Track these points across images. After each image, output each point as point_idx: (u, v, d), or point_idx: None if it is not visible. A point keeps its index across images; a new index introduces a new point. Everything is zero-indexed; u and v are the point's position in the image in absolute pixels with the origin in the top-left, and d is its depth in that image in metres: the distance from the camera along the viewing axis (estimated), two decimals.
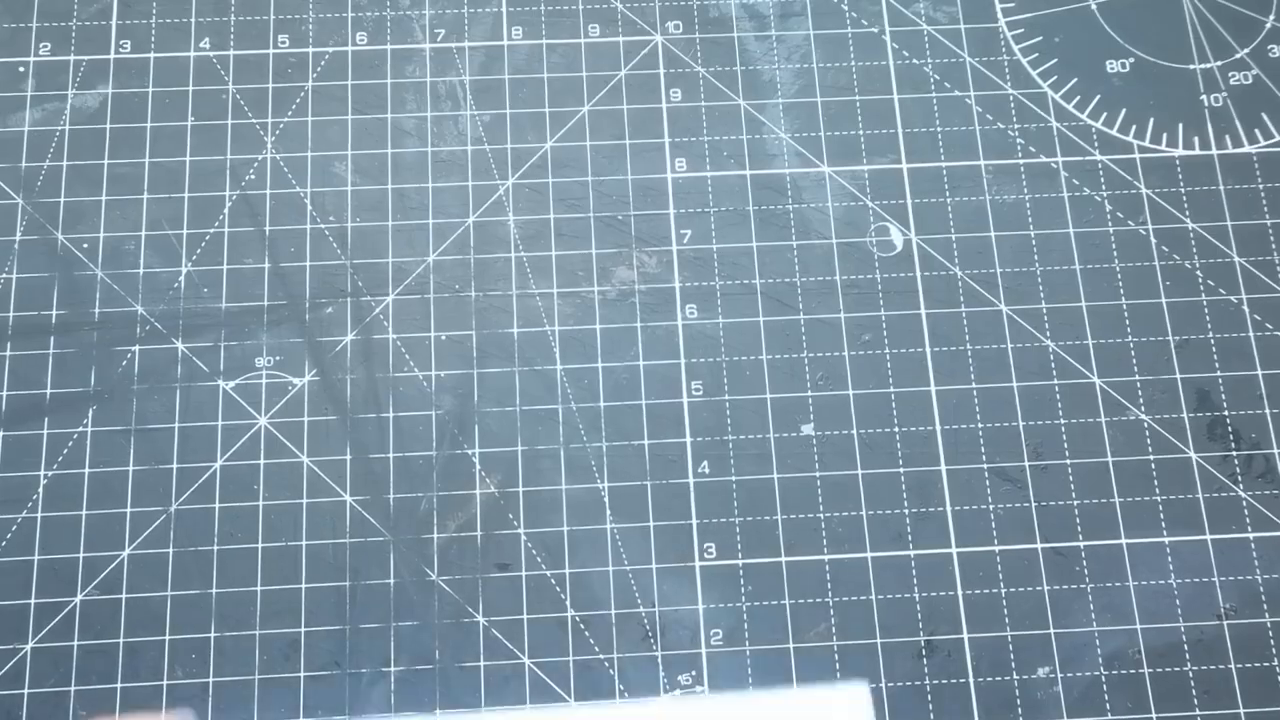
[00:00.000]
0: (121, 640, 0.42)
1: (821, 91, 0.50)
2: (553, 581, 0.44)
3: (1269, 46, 0.51)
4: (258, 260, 0.47)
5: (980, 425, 0.46)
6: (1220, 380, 0.46)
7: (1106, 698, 0.43)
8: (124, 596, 0.43)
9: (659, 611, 0.44)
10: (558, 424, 0.45)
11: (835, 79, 0.50)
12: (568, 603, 0.44)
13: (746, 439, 0.45)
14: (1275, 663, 0.43)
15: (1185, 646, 0.43)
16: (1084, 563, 0.44)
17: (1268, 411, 0.46)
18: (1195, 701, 0.43)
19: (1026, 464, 0.45)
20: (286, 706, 0.42)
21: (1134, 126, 0.50)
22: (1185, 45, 0.51)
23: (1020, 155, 0.49)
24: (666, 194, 0.48)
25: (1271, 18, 0.52)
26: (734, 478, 0.45)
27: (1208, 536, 0.45)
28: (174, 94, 0.49)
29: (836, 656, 0.43)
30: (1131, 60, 0.51)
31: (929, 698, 0.42)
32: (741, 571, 0.44)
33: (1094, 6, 0.52)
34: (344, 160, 0.49)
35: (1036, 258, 0.48)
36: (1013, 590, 0.44)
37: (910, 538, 0.44)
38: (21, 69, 0.50)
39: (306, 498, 0.44)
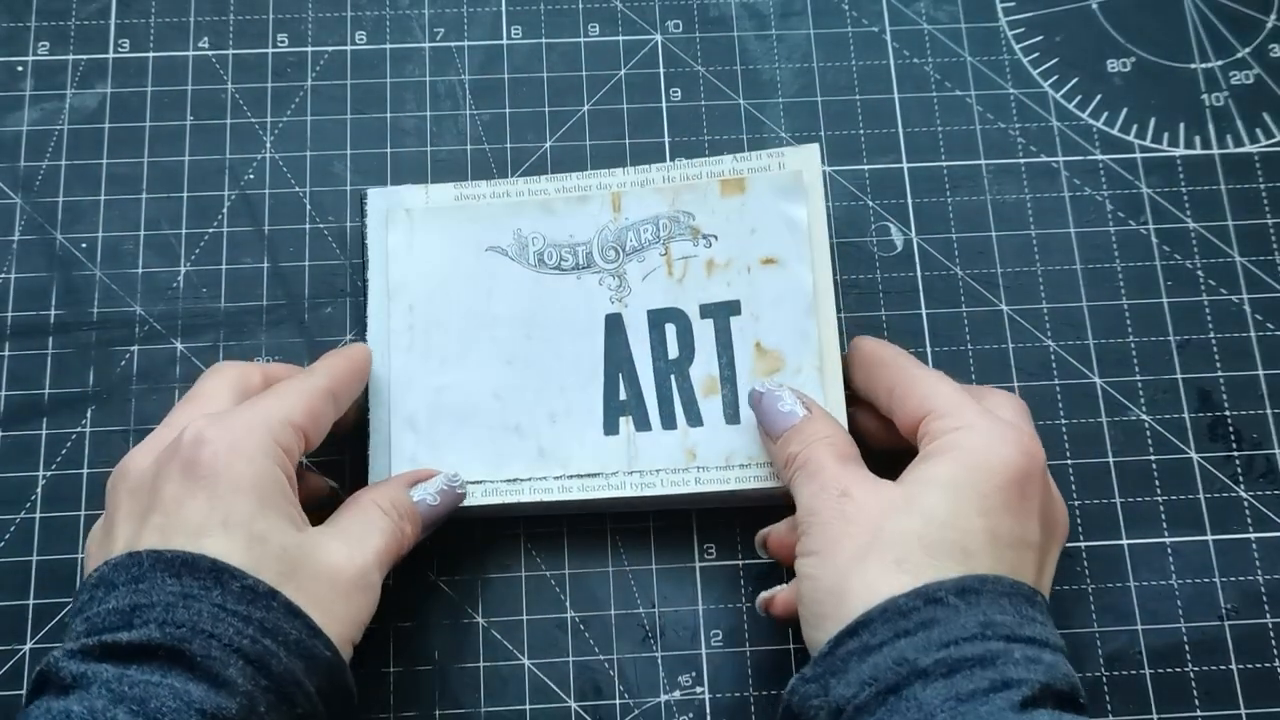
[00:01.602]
0: None
1: (821, 91, 0.50)
2: (552, 582, 0.44)
3: (1270, 46, 0.51)
4: (257, 260, 0.47)
5: None
6: (1221, 380, 0.46)
7: (1108, 698, 0.43)
8: None
9: (659, 612, 0.43)
10: None
11: (835, 79, 0.50)
12: (567, 603, 0.43)
13: None
14: (1276, 663, 0.43)
15: (1186, 647, 0.43)
16: (1085, 563, 0.44)
17: (1269, 411, 0.46)
18: (1196, 702, 0.42)
19: None
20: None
21: (1135, 126, 0.50)
22: (1186, 44, 0.51)
23: (1021, 155, 0.49)
24: None
25: (1272, 17, 0.52)
26: None
27: (1209, 537, 0.44)
28: (173, 93, 0.49)
29: None
30: (1132, 60, 0.51)
31: None
32: (741, 571, 0.44)
33: (1095, 6, 0.52)
34: (343, 160, 0.49)
35: (1037, 257, 0.48)
36: None
37: None
38: (20, 68, 0.50)
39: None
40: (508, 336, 0.44)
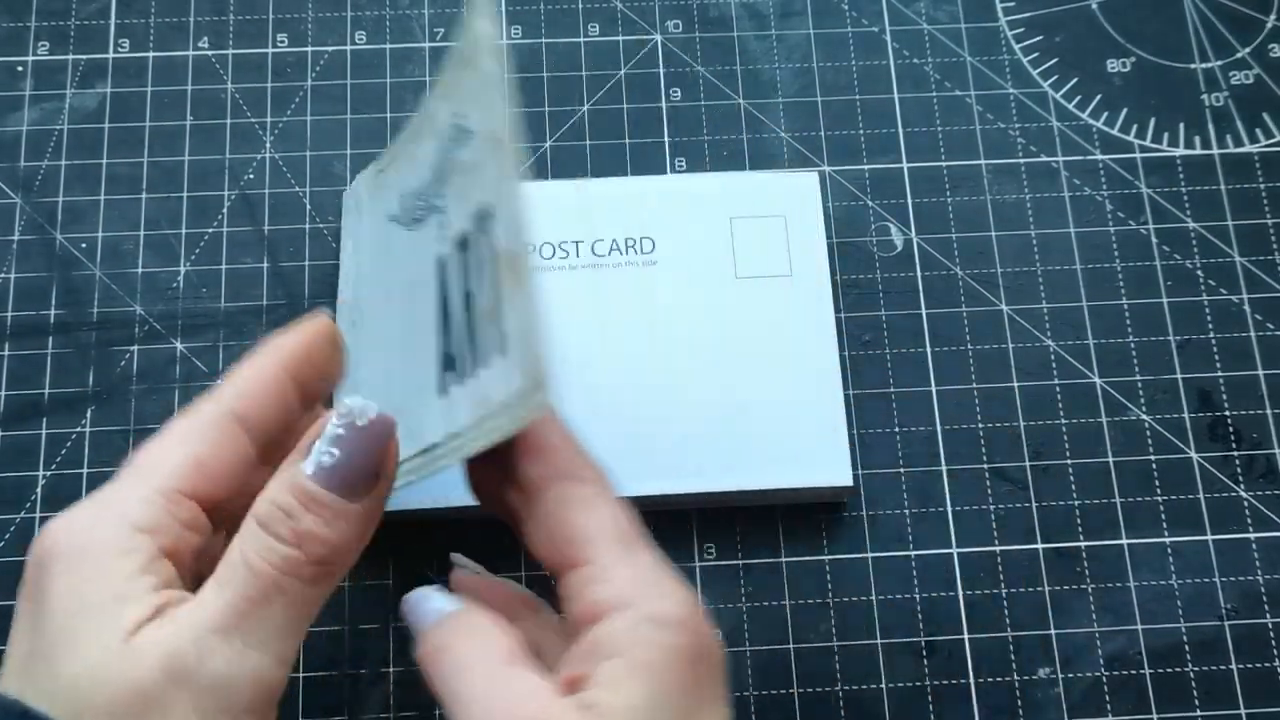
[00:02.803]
0: None
1: (821, 91, 0.50)
2: (553, 582, 0.44)
3: (1270, 46, 0.51)
4: (256, 260, 0.47)
5: (980, 425, 0.46)
6: (1221, 380, 0.46)
7: (1107, 698, 0.43)
8: None
9: None
10: None
11: (835, 79, 0.50)
12: None
13: None
14: (1276, 663, 0.43)
15: (1186, 647, 0.43)
16: (1085, 563, 0.44)
17: (1269, 411, 0.46)
18: (1196, 702, 0.42)
19: (1027, 464, 0.45)
20: (286, 707, 0.42)
21: (1135, 126, 0.50)
22: (1186, 44, 0.51)
23: (1021, 155, 0.49)
24: None
25: (1272, 17, 0.52)
26: None
27: (1209, 537, 0.44)
28: (172, 93, 0.49)
29: (837, 657, 0.43)
30: (1132, 60, 0.51)
31: (929, 698, 0.42)
32: (741, 571, 0.44)
33: (1094, 6, 0.52)
34: (343, 160, 0.49)
35: (1037, 257, 0.48)
36: (1013, 591, 0.44)
37: (910, 538, 0.44)
38: (20, 68, 0.50)
39: None
40: (397, 312, 0.39)
